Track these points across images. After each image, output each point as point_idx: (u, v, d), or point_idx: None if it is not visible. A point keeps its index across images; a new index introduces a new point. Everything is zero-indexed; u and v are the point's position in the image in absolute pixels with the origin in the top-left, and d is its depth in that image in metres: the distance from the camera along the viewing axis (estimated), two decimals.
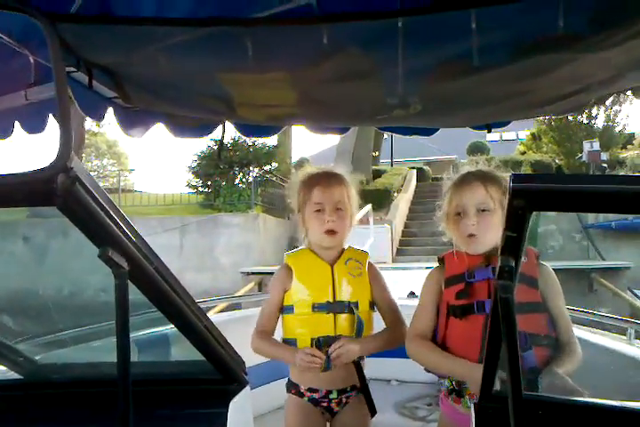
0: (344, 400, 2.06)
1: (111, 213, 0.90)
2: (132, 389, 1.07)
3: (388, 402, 2.88)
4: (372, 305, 2.09)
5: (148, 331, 2.33)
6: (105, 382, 1.47)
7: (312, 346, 1.97)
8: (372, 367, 3.26)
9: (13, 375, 1.61)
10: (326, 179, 2.06)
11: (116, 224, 0.92)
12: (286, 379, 2.14)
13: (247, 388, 1.56)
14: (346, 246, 2.12)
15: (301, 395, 2.06)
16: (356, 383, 2.04)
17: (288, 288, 2.06)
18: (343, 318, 2.00)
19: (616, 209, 0.93)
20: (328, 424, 2.09)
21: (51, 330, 2.29)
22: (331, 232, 2.01)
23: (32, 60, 2.15)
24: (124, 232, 0.94)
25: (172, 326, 1.33)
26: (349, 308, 2.00)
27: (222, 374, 1.46)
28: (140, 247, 1.00)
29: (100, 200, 0.87)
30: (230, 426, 1.41)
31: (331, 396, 2.04)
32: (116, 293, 0.99)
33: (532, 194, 0.85)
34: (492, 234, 1.83)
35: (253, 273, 11.59)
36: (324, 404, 2.05)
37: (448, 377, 1.91)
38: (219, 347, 1.37)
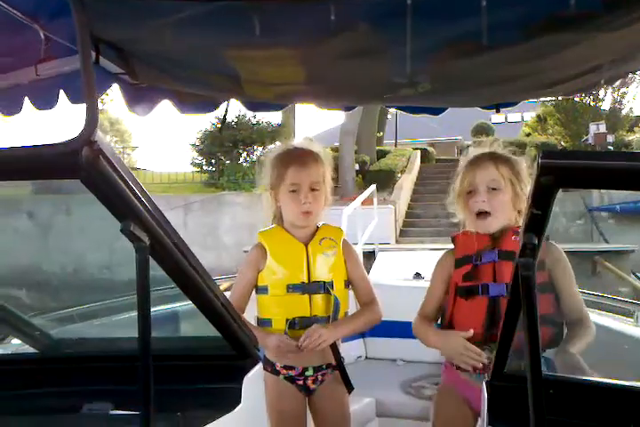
0: (320, 378, 2.06)
1: (133, 187, 0.90)
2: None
3: (394, 382, 2.90)
4: (347, 284, 2.09)
5: (163, 307, 2.34)
6: (122, 358, 1.49)
7: (287, 327, 1.96)
8: (378, 347, 3.30)
9: (29, 349, 1.63)
10: (302, 158, 2.03)
11: (138, 199, 0.92)
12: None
13: (260, 364, 1.57)
14: (320, 224, 2.11)
15: (277, 373, 2.06)
16: (331, 361, 2.05)
17: (262, 268, 2.03)
18: (319, 299, 1.99)
19: None
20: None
21: (60, 306, 2.31)
22: (306, 213, 1.99)
23: (42, 35, 2.12)
24: (145, 207, 0.94)
25: (186, 302, 1.34)
26: (325, 288, 1.99)
27: (237, 350, 1.48)
28: (161, 222, 1.00)
29: (123, 174, 0.87)
30: (244, 400, 1.43)
31: (307, 373, 2.04)
32: (136, 267, 0.99)
33: (561, 170, 0.84)
34: (501, 212, 1.86)
35: None
36: (300, 382, 2.05)
37: None
38: (234, 324, 1.38)
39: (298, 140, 2.19)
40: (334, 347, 2.01)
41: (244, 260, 2.11)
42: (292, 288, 1.99)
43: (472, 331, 1.80)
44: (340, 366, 2.04)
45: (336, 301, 1.98)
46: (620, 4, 1.90)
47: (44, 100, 2.53)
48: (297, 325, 1.97)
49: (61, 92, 2.47)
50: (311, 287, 1.99)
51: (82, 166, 0.79)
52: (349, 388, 2.06)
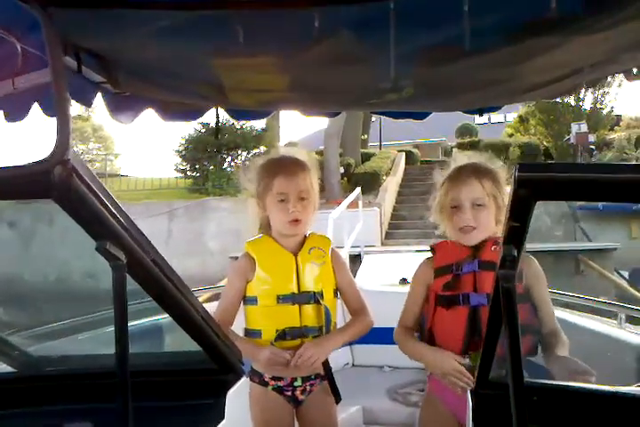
0: (308, 388, 2.04)
1: (109, 205, 0.88)
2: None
3: (380, 388, 2.90)
4: (336, 293, 2.08)
5: (142, 321, 2.31)
6: (100, 375, 1.46)
7: (277, 338, 1.94)
8: (365, 354, 3.29)
9: (6, 369, 1.60)
10: (289, 167, 2.00)
11: (114, 217, 0.91)
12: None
13: (244, 378, 1.56)
14: (308, 233, 2.09)
15: (265, 384, 2.03)
16: (320, 371, 2.02)
17: (250, 278, 2.00)
18: (309, 309, 1.97)
19: (620, 198, 0.92)
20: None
21: (41, 321, 2.27)
22: (295, 222, 1.97)
23: (19, 48, 2.09)
24: (121, 224, 0.92)
25: (168, 316, 1.32)
26: (315, 298, 1.97)
27: (219, 365, 1.46)
28: (138, 239, 0.98)
29: (98, 192, 0.85)
30: (228, 416, 1.41)
31: (295, 384, 2.01)
32: (113, 285, 0.97)
33: (538, 183, 0.84)
34: (485, 226, 1.88)
35: None
36: (288, 393, 2.02)
37: None
38: (215, 337, 1.36)
39: (284, 148, 2.16)
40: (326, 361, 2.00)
41: (232, 270, 2.08)
42: (282, 299, 1.96)
43: (467, 360, 1.81)
44: (329, 376, 2.03)
45: (327, 311, 1.96)
46: (600, 7, 1.91)
47: (16, 113, 2.50)
48: (287, 335, 1.95)
49: (35, 104, 2.45)
50: (301, 298, 1.96)
51: (54, 186, 0.77)
52: (337, 398, 2.04)
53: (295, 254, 2.01)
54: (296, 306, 1.96)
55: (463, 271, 1.88)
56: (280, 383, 2.01)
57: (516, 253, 0.93)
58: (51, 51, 0.77)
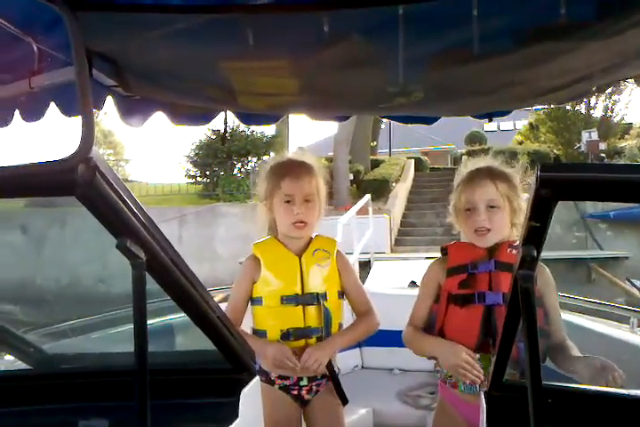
0: (314, 389, 2.05)
1: (129, 203, 0.90)
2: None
3: (390, 391, 2.89)
4: (342, 294, 2.09)
5: (159, 319, 2.33)
6: (118, 373, 1.48)
7: (281, 338, 1.97)
8: (374, 356, 3.29)
9: (22, 365, 1.61)
10: (296, 169, 2.04)
11: (134, 215, 0.92)
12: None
13: (257, 377, 1.56)
14: (314, 235, 2.11)
15: (272, 382, 2.05)
16: (326, 371, 2.02)
17: (256, 279, 2.04)
18: (312, 310, 1.99)
19: None
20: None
21: (54, 320, 2.29)
22: (300, 223, 2.00)
23: (35, 48, 2.13)
24: (141, 223, 0.94)
25: (181, 315, 1.33)
26: (318, 299, 1.99)
27: (233, 364, 1.47)
28: (157, 238, 1.00)
29: (119, 191, 0.87)
30: (242, 415, 1.42)
31: (301, 383, 2.03)
32: (133, 283, 0.99)
33: (559, 183, 0.84)
34: (500, 228, 1.89)
35: None
36: (295, 392, 2.04)
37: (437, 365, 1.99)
38: (230, 337, 1.37)
39: (292, 152, 2.19)
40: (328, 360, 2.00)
41: (240, 271, 2.11)
42: (286, 300, 1.99)
43: (478, 356, 1.81)
44: (334, 379, 2.03)
45: (326, 312, 1.98)
46: (610, 13, 1.92)
47: (34, 113, 2.54)
48: (291, 336, 1.97)
49: (52, 104, 2.48)
50: (305, 299, 1.99)
51: (78, 183, 0.79)
52: (344, 400, 2.05)
53: (300, 256, 2.03)
54: (300, 307, 1.98)
55: (479, 270, 1.88)
56: (286, 382, 2.03)
57: (535, 254, 0.93)
58: (76, 51, 0.79)
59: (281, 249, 2.05)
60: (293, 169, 2.04)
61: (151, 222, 0.98)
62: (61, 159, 0.77)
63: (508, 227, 1.91)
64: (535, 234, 0.92)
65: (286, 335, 1.97)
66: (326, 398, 2.06)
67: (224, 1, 2.14)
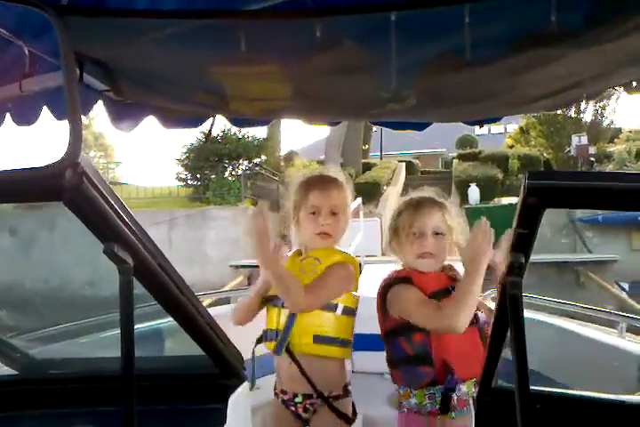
0: (310, 408, 1.97)
1: (117, 208, 0.90)
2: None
3: (380, 395, 2.89)
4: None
5: (146, 324, 2.32)
6: (104, 378, 1.47)
7: (260, 337, 1.99)
8: (365, 361, 3.28)
9: (8, 371, 1.60)
10: (324, 182, 2.04)
11: (122, 220, 0.92)
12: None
13: (245, 383, 1.56)
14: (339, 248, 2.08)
15: (277, 395, 2.03)
16: (322, 391, 1.94)
17: None
18: (285, 312, 1.95)
19: (631, 206, 0.93)
20: None
21: (41, 325, 2.27)
22: (324, 235, 1.99)
23: (26, 51, 2.12)
24: (129, 228, 0.94)
25: (170, 319, 1.33)
26: (282, 302, 1.94)
27: (221, 369, 1.47)
28: (145, 243, 1.00)
29: (107, 196, 0.86)
30: (230, 421, 1.42)
31: (296, 400, 1.98)
32: (120, 288, 0.98)
33: (547, 191, 0.85)
34: (443, 255, 1.94)
35: (243, 266, 11.54)
36: (292, 408, 1.99)
37: (415, 394, 1.89)
38: (219, 342, 1.37)
39: (323, 168, 2.19)
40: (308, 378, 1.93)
41: None
42: (270, 300, 1.99)
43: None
44: (325, 400, 1.94)
45: (290, 315, 1.92)
46: (601, 20, 1.94)
47: (26, 117, 2.52)
48: (265, 337, 1.98)
49: (44, 108, 2.47)
50: (278, 300, 1.95)
51: (65, 189, 0.79)
52: (345, 418, 1.96)
53: (292, 261, 2.04)
54: (276, 309, 1.97)
55: None
56: (285, 397, 2.00)
57: (523, 261, 0.94)
58: (64, 56, 0.78)
59: (291, 256, 2.07)
60: (321, 182, 2.04)
61: (139, 227, 0.98)
62: (49, 164, 0.76)
63: (445, 256, 1.95)
64: (523, 241, 0.92)
65: (265, 335, 1.98)
66: (324, 418, 1.96)
67: (216, 6, 2.14)
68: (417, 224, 1.93)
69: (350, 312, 2.00)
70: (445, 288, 1.88)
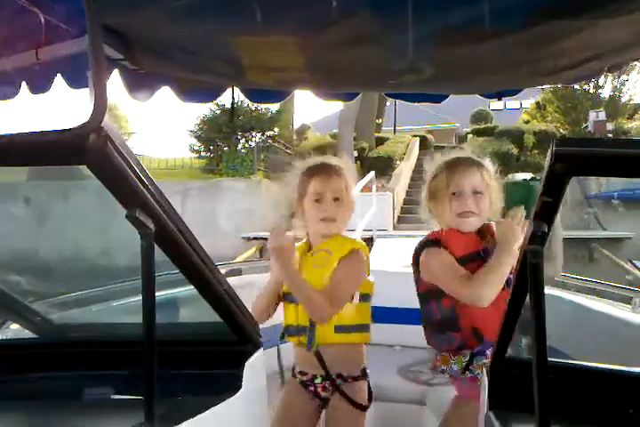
0: (330, 388, 2.01)
1: (140, 174, 0.90)
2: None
3: (392, 367, 2.92)
4: None
5: (165, 292, 2.34)
6: (123, 343, 1.50)
7: (282, 334, 2.02)
8: (377, 333, 3.30)
9: (29, 334, 1.63)
10: (325, 170, 2.04)
11: (144, 185, 0.92)
12: None
13: (261, 349, 1.58)
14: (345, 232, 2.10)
15: (295, 376, 2.08)
16: (341, 372, 1.99)
17: None
18: (301, 308, 1.96)
19: None
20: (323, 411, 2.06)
21: (60, 291, 2.31)
22: (327, 219, 1.99)
23: (42, 19, 2.11)
24: (151, 193, 0.94)
25: (188, 287, 1.34)
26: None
27: (238, 336, 1.49)
28: (166, 209, 1.00)
29: (130, 161, 0.87)
30: (245, 386, 1.44)
31: (315, 381, 2.02)
32: (141, 253, 0.99)
33: (574, 158, 0.84)
34: (484, 214, 1.93)
35: (255, 238, 11.61)
36: (312, 388, 2.03)
37: (456, 360, 1.94)
38: (236, 310, 1.39)
39: (323, 156, 2.18)
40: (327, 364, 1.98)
41: None
42: (286, 297, 2.02)
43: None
44: (338, 389, 1.98)
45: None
46: None
47: (40, 85, 2.52)
48: (288, 332, 2.01)
49: (58, 76, 2.46)
50: (295, 298, 1.97)
51: (89, 152, 0.79)
52: (358, 406, 1.99)
53: (302, 256, 2.05)
54: (293, 305, 1.99)
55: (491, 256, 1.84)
56: (304, 378, 2.04)
57: (546, 229, 0.93)
58: (89, 19, 0.78)
59: (300, 248, 2.06)
60: (322, 170, 2.05)
61: (160, 194, 0.98)
62: (73, 128, 0.77)
63: (487, 215, 1.94)
64: (547, 209, 0.91)
65: (287, 330, 2.01)
66: (344, 398, 1.99)
67: None
68: (457, 183, 1.93)
69: (367, 298, 2.04)
70: (475, 253, 1.90)
